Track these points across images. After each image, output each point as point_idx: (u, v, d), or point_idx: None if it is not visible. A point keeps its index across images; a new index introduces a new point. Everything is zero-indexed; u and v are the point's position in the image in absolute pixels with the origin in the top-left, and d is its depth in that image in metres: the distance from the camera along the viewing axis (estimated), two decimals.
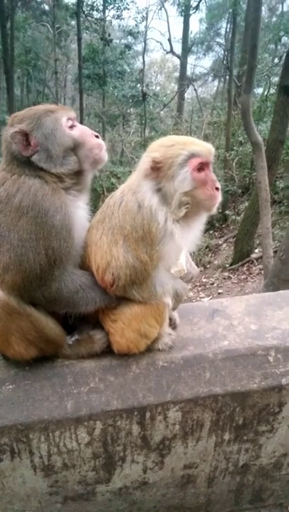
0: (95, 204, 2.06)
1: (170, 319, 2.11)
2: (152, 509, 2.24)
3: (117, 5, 22.79)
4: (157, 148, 1.83)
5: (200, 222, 1.96)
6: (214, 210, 1.90)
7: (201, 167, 1.80)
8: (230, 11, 21.83)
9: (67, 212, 1.81)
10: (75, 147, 1.89)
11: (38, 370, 1.94)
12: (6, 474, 1.91)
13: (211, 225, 15.71)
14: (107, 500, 2.12)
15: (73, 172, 1.89)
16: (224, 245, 15.08)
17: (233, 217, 15.79)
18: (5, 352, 1.91)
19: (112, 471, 2.04)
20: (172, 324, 2.15)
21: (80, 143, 1.89)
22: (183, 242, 1.88)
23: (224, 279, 12.26)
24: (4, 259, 1.74)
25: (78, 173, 1.92)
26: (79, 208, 1.95)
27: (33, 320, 1.82)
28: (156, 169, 1.79)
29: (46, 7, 25.71)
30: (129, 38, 26.42)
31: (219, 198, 1.86)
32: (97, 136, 1.95)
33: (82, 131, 1.92)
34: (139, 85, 24.54)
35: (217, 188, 1.84)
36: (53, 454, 1.91)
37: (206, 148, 1.83)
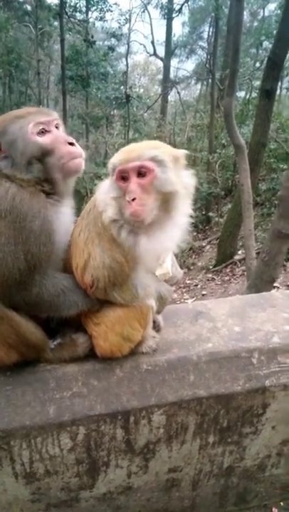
0: (78, 206, 2.03)
1: (154, 322, 2.09)
2: None
3: (100, 7, 22.75)
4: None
5: (166, 227, 1.80)
6: (135, 223, 1.72)
7: (124, 177, 1.71)
8: (213, 15, 22.11)
9: (47, 217, 1.76)
10: (44, 155, 1.79)
11: (19, 376, 1.90)
12: None
13: (194, 227, 15.79)
14: (91, 506, 2.09)
15: (43, 179, 1.82)
16: (208, 247, 15.17)
17: (216, 219, 15.90)
18: None
19: (96, 477, 2.01)
20: (156, 327, 2.14)
21: (49, 151, 1.80)
22: (150, 250, 1.81)
23: (208, 280, 12.32)
24: None
25: (50, 181, 1.84)
26: (61, 212, 1.90)
27: (13, 324, 1.78)
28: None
29: (29, 7, 25.45)
30: (113, 40, 26.47)
31: (134, 209, 1.67)
32: (71, 144, 1.85)
33: (54, 139, 1.82)
34: (122, 87, 24.56)
35: (128, 200, 1.68)
36: (35, 461, 1.87)
37: (126, 158, 1.70)
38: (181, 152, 1.82)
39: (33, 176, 1.80)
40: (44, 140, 1.80)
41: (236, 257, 12.68)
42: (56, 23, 22.83)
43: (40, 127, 1.80)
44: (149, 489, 2.14)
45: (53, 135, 1.83)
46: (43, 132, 1.80)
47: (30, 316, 1.86)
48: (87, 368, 1.95)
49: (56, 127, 1.87)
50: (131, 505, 2.17)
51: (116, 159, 1.73)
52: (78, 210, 2.02)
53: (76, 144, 1.87)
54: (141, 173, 1.69)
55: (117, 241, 1.76)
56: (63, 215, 1.92)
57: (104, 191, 1.81)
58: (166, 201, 1.74)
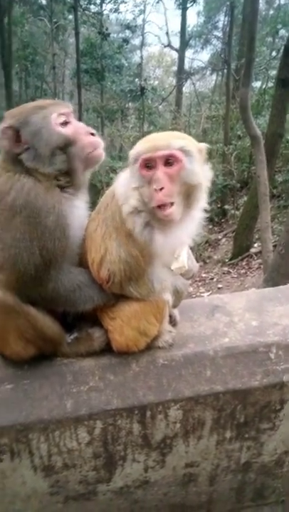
0: (94, 200, 2.02)
1: (170, 316, 2.08)
2: (154, 508, 2.23)
3: None
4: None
5: (183, 222, 1.78)
6: (160, 214, 1.69)
7: (149, 166, 1.67)
8: (228, 3, 21.71)
9: (61, 212, 1.76)
10: (66, 146, 1.79)
11: (36, 369, 1.91)
12: (6, 475, 1.89)
13: (210, 220, 15.67)
14: (109, 499, 2.11)
15: (64, 171, 1.82)
16: (223, 240, 15.06)
17: (232, 211, 15.75)
18: (3, 351, 1.89)
19: (113, 471, 2.02)
20: (172, 321, 2.12)
21: (72, 141, 1.80)
22: (166, 244, 1.79)
23: (224, 273, 12.25)
24: None
25: (70, 172, 1.85)
26: (75, 206, 1.90)
27: (30, 318, 1.79)
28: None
29: (44, 1, 25.45)
30: (127, 31, 26.27)
31: (161, 199, 1.65)
32: (92, 134, 1.86)
33: (76, 129, 1.83)
34: (137, 80, 24.42)
35: (156, 189, 1.64)
36: (53, 454, 1.89)
37: (153, 146, 1.67)
38: (204, 145, 1.80)
39: (55, 169, 1.79)
40: (67, 130, 1.81)
41: (252, 250, 12.57)
42: (71, 17, 22.73)
43: (63, 118, 1.81)
44: (166, 484, 2.14)
45: (74, 126, 1.84)
46: (65, 123, 1.81)
47: (47, 311, 1.87)
48: (104, 363, 1.96)
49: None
50: (148, 499, 2.17)
51: (141, 147, 1.70)
52: (94, 204, 2.01)
53: (96, 134, 1.88)
54: (169, 162, 1.67)
55: (133, 236, 1.75)
56: (78, 210, 1.92)
57: (124, 183, 1.79)
58: (189, 194, 1.73)
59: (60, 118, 1.80)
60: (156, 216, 1.71)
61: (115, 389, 1.89)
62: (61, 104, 1.87)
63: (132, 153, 1.73)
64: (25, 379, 1.88)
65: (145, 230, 1.75)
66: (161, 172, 1.66)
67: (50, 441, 1.85)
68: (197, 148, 1.75)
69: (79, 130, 1.84)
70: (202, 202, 1.80)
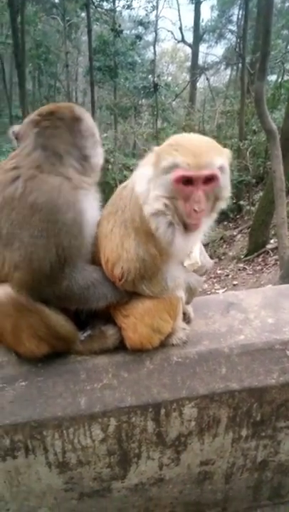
0: (107, 197, 2.01)
1: (184, 313, 2.06)
2: (169, 505, 2.22)
3: None
4: (167, 142, 1.74)
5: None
6: (194, 232, 1.74)
7: (189, 181, 1.62)
8: None
9: (79, 210, 1.77)
10: (98, 141, 2.02)
11: (50, 367, 1.92)
12: (21, 471, 1.90)
13: (225, 216, 15.54)
14: (123, 496, 2.10)
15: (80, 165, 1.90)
16: (239, 236, 14.92)
17: (248, 207, 15.59)
18: (16, 349, 1.89)
19: (128, 468, 2.02)
20: (186, 318, 2.10)
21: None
22: (185, 244, 1.80)
23: (239, 270, 12.14)
24: (14, 257, 1.72)
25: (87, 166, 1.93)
26: (91, 204, 1.90)
27: (43, 317, 1.80)
28: (155, 160, 1.70)
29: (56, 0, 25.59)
30: (140, 28, 26.24)
31: (196, 220, 1.67)
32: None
33: None
34: (150, 76, 24.37)
35: (195, 210, 1.64)
36: (67, 451, 1.89)
37: (198, 163, 1.60)
38: (228, 152, 1.76)
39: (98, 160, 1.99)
40: None
41: (268, 246, 12.41)
42: (83, 14, 22.80)
43: None
44: (181, 481, 2.12)
45: None
46: None
47: (60, 309, 1.87)
48: (117, 360, 1.95)
49: None
50: (163, 497, 2.16)
51: (183, 162, 1.60)
52: (106, 202, 2.00)
53: None
54: (208, 180, 1.64)
55: (154, 235, 1.73)
56: (92, 207, 1.91)
57: (145, 185, 1.74)
58: (215, 203, 1.74)
59: None
60: (183, 223, 1.72)
61: (129, 386, 1.88)
62: None
63: (167, 162, 1.63)
64: (39, 376, 1.89)
65: (168, 231, 1.72)
66: (201, 192, 1.64)
67: (65, 438, 1.85)
68: (228, 160, 1.72)
69: None
70: (223, 206, 1.80)
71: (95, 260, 1.92)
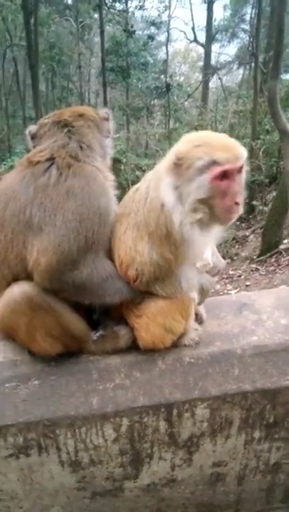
0: (120, 198, 2.03)
1: (196, 314, 2.05)
2: (181, 506, 2.21)
3: None
4: (186, 144, 1.72)
5: (220, 227, 1.84)
6: (228, 225, 1.81)
7: (225, 175, 1.64)
8: None
9: (111, 197, 1.94)
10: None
11: (63, 366, 1.93)
12: (34, 469, 1.92)
13: (237, 216, 15.42)
14: (135, 496, 2.10)
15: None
16: (251, 236, 14.81)
17: (261, 207, 15.46)
18: (30, 347, 1.91)
19: (140, 468, 2.02)
20: (198, 319, 2.10)
21: None
22: (204, 243, 1.82)
23: (252, 271, 12.04)
24: (44, 242, 1.75)
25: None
26: (114, 196, 2.01)
27: (57, 316, 1.81)
28: (178, 165, 1.68)
29: (69, 1, 25.76)
30: (152, 28, 26.21)
31: (238, 212, 1.71)
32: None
33: None
34: (162, 76, 24.35)
35: (237, 203, 1.68)
36: (79, 450, 1.90)
37: (233, 155, 1.64)
38: None
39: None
40: None
41: (282, 247, 12.28)
42: (96, 15, 22.89)
43: None
44: (193, 482, 2.12)
45: None
46: None
47: (74, 308, 1.88)
48: (130, 360, 1.95)
49: None
50: (175, 498, 2.16)
51: (220, 157, 1.61)
52: (119, 202, 2.01)
53: None
54: (238, 172, 1.68)
55: (173, 240, 1.73)
56: (115, 199, 2.01)
57: (172, 194, 1.72)
58: None
59: None
60: (216, 220, 1.74)
61: (141, 386, 1.88)
62: None
63: (203, 161, 1.62)
64: (52, 375, 1.90)
65: (194, 233, 1.73)
66: (238, 184, 1.67)
67: (77, 437, 1.86)
68: None
69: None
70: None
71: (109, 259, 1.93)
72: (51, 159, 1.87)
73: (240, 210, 1.72)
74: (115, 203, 1.97)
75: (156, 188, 1.78)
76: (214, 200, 1.68)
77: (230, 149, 1.66)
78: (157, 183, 1.78)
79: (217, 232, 1.87)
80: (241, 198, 1.70)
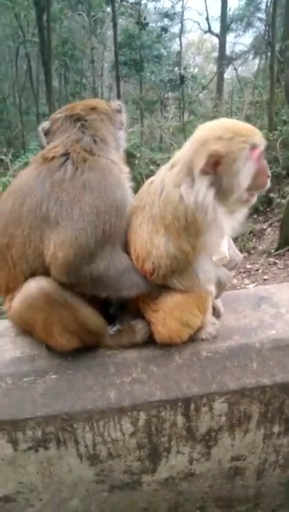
0: (135, 191, 2.02)
1: (213, 308, 2.04)
2: (199, 500, 2.21)
3: None
4: (215, 141, 1.70)
5: (244, 211, 1.93)
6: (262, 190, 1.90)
7: (259, 156, 1.75)
8: None
9: (127, 189, 1.95)
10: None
11: (80, 360, 1.93)
12: (52, 462, 1.94)
13: (254, 209, 15.21)
14: (154, 490, 2.11)
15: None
16: (269, 230, 14.60)
17: (278, 200, 15.20)
18: (48, 342, 1.92)
19: (158, 462, 2.02)
20: (216, 313, 2.08)
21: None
22: (227, 230, 1.84)
23: (269, 264, 11.88)
24: (61, 235, 1.76)
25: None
26: (129, 188, 2.02)
27: (74, 311, 1.82)
28: (217, 163, 1.69)
29: None
30: (166, 20, 25.97)
31: (268, 184, 1.85)
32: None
33: None
34: (176, 68, 24.13)
35: (268, 176, 1.82)
36: (97, 444, 1.91)
37: (260, 134, 1.78)
38: None
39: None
40: None
41: None
42: (109, 9, 22.78)
43: None
44: (211, 476, 2.11)
45: None
46: None
47: (90, 303, 1.89)
48: (146, 354, 1.95)
49: None
50: (193, 491, 2.16)
51: (255, 139, 1.74)
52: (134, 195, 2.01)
53: None
54: None
55: (193, 228, 1.73)
56: (131, 192, 2.01)
57: (210, 193, 1.74)
58: None
59: None
60: (250, 199, 1.84)
61: (158, 381, 1.87)
62: None
63: (246, 149, 1.70)
64: (69, 369, 1.91)
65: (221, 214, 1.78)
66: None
67: (95, 431, 1.87)
68: None
69: None
70: None
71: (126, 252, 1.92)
72: (66, 154, 1.88)
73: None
74: (131, 195, 1.97)
75: (180, 187, 1.76)
76: (254, 180, 1.77)
77: (254, 130, 1.79)
78: (183, 183, 1.76)
79: (236, 222, 1.91)
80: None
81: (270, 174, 1.83)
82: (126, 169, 2.05)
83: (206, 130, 1.80)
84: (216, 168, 1.70)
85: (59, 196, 1.79)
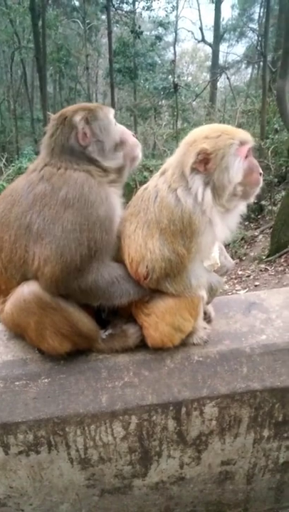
0: (128, 198, 2.04)
1: (204, 313, 2.06)
2: (190, 504, 2.21)
3: None
4: (203, 140, 1.78)
5: (239, 212, 1.95)
6: (256, 189, 1.90)
7: (248, 154, 1.80)
8: None
9: (111, 204, 1.87)
10: (120, 143, 1.97)
11: (72, 364, 1.95)
12: (44, 466, 1.94)
13: (246, 216, 15.28)
14: (144, 494, 2.11)
15: (118, 167, 1.96)
16: (260, 236, 14.72)
17: (270, 207, 15.35)
18: (40, 346, 1.93)
19: (149, 466, 2.03)
20: (207, 318, 2.10)
21: (123, 140, 1.98)
22: (222, 232, 1.87)
23: (261, 271, 11.96)
24: (45, 251, 1.76)
25: (120, 169, 1.99)
26: (119, 201, 1.98)
27: (66, 315, 1.83)
28: (207, 161, 1.75)
29: (77, 3, 25.85)
30: (160, 29, 26.20)
31: (261, 182, 1.87)
32: (133, 135, 2.04)
33: (123, 129, 2.01)
34: (170, 77, 24.27)
35: (261, 173, 1.84)
36: (89, 448, 1.91)
37: (248, 134, 1.83)
38: None
39: (116, 163, 1.95)
40: (119, 129, 1.99)
41: None
42: (104, 17, 22.97)
43: (114, 119, 1.99)
44: (201, 481, 2.12)
45: (120, 127, 2.02)
46: (115, 124, 1.99)
47: (83, 307, 1.90)
48: (138, 359, 1.96)
49: None
50: (184, 496, 2.16)
51: (243, 137, 1.79)
52: (127, 202, 2.03)
53: (136, 136, 2.07)
54: None
55: (189, 231, 1.76)
56: (118, 205, 1.97)
57: (206, 191, 1.78)
58: None
59: (113, 118, 1.98)
60: (246, 197, 1.87)
61: (150, 385, 1.89)
62: (107, 107, 2.01)
63: (235, 144, 1.76)
64: (61, 373, 1.92)
65: (216, 215, 1.81)
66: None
67: (86, 435, 1.87)
68: None
69: (126, 131, 2.02)
70: None
71: (117, 260, 1.94)
72: (46, 166, 1.87)
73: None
74: (119, 207, 1.95)
75: (174, 190, 1.80)
76: (247, 177, 1.80)
77: (242, 131, 1.85)
78: (177, 185, 1.81)
79: (234, 217, 1.94)
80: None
81: (261, 172, 1.86)
82: (111, 177, 1.94)
83: (194, 132, 1.88)
84: (206, 166, 1.75)
85: (41, 210, 1.78)
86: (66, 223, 1.75)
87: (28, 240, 1.80)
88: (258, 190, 1.88)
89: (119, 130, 1.98)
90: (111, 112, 1.98)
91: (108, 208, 1.84)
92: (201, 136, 1.81)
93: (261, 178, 1.86)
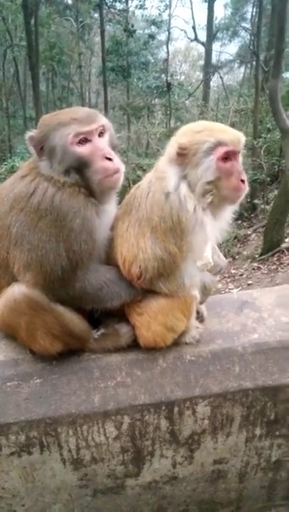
0: (121, 198, 2.03)
1: (197, 312, 2.06)
2: (182, 504, 2.22)
3: None
4: (185, 133, 1.80)
5: (228, 213, 1.93)
6: (238, 203, 1.86)
7: (228, 157, 1.74)
8: None
9: (87, 216, 1.77)
10: (81, 165, 1.78)
11: (64, 365, 1.94)
12: (36, 467, 1.93)
13: (239, 215, 15.39)
14: (137, 494, 2.11)
15: (82, 185, 1.80)
16: (253, 235, 14.80)
17: (262, 206, 15.45)
18: (31, 346, 1.92)
19: (141, 466, 2.02)
20: (199, 317, 2.10)
21: (86, 162, 1.77)
22: (212, 232, 1.85)
23: (253, 269, 12.03)
24: (25, 257, 1.76)
25: (90, 189, 1.82)
26: (102, 210, 1.88)
27: (57, 315, 1.82)
28: (182, 155, 1.75)
29: (69, 1, 25.75)
30: (153, 27, 26.20)
31: (245, 190, 1.80)
32: (109, 159, 1.79)
33: (93, 151, 1.77)
34: (163, 75, 24.31)
35: (242, 180, 1.77)
36: (81, 448, 1.91)
37: (235, 137, 1.76)
38: None
39: (71, 180, 1.80)
40: (82, 151, 1.77)
41: (283, 245, 12.26)
42: (96, 15, 22.92)
43: (81, 137, 1.76)
44: (194, 480, 2.12)
45: (92, 146, 1.78)
46: (83, 142, 1.77)
47: (74, 308, 1.89)
48: (131, 358, 1.96)
49: (101, 134, 1.83)
50: (176, 495, 2.17)
51: (225, 139, 1.72)
52: (121, 201, 2.01)
53: (115, 158, 1.82)
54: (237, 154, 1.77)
55: (179, 229, 1.75)
56: (104, 213, 1.91)
57: (177, 182, 1.78)
58: None
59: (77, 137, 1.75)
60: (226, 200, 1.82)
61: (142, 384, 1.89)
62: (86, 121, 1.78)
63: (209, 143, 1.71)
64: (53, 374, 1.91)
65: (204, 215, 1.79)
66: (240, 165, 1.77)
67: (79, 435, 1.87)
68: None
69: (96, 152, 1.78)
70: None
71: (110, 260, 1.93)
72: (27, 174, 1.85)
73: (247, 187, 1.80)
74: (98, 218, 1.84)
75: (161, 182, 1.80)
76: (221, 181, 1.75)
77: (232, 132, 1.78)
78: (162, 175, 1.81)
79: (225, 217, 1.92)
80: (245, 176, 1.78)
81: (245, 179, 1.78)
82: (82, 192, 1.81)
83: (184, 127, 1.88)
84: (183, 159, 1.75)
85: (18, 214, 1.77)
86: (41, 234, 1.73)
87: (9, 241, 1.79)
88: (241, 196, 1.82)
89: (82, 151, 1.76)
90: (74, 131, 1.74)
91: (83, 221, 1.75)
92: (186, 130, 1.82)
93: (243, 185, 1.78)
